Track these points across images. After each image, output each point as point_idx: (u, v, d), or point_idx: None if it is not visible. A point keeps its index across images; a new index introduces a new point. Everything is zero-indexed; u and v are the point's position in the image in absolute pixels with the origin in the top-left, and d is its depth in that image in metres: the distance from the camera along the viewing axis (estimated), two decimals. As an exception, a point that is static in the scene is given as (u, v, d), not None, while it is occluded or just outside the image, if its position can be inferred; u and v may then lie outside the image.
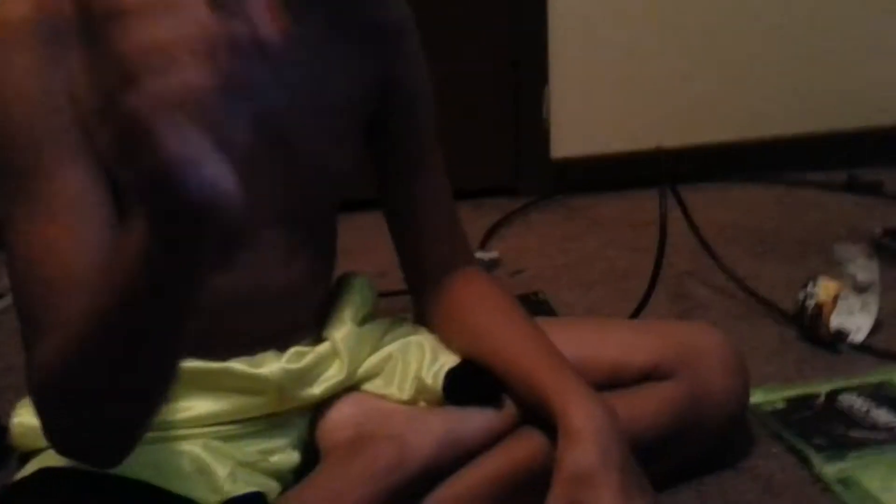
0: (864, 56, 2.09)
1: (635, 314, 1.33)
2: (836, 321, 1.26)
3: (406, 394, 0.88)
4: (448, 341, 0.93)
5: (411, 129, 0.93)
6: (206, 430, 0.82)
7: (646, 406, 0.92)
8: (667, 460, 0.94)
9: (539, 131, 2.03)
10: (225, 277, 0.79)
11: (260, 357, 0.84)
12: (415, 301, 0.98)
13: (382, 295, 1.02)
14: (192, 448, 0.80)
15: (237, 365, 0.82)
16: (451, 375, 0.87)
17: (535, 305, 1.41)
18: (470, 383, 0.88)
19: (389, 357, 0.91)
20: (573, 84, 2.01)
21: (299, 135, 0.81)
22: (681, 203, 1.44)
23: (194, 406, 0.81)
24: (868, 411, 1.08)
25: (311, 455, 0.87)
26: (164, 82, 0.44)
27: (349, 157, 0.88)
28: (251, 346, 0.84)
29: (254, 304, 0.83)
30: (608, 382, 0.93)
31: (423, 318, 0.97)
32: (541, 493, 0.86)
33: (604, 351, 0.96)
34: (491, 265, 1.62)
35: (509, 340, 0.89)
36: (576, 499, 0.76)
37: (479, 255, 1.64)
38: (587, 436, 0.78)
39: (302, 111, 0.80)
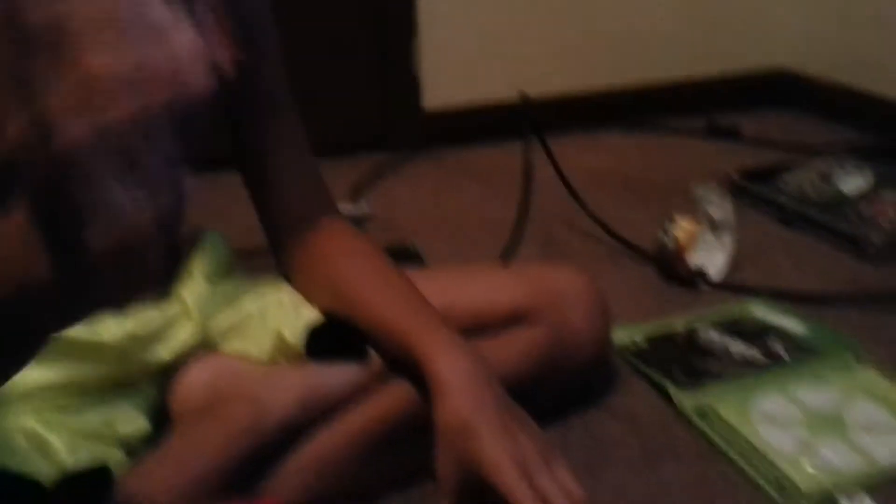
0: (722, 4, 2.15)
1: (503, 261, 1.35)
2: (694, 259, 1.31)
3: (265, 353, 0.86)
4: (311, 296, 0.90)
5: (265, 76, 0.88)
6: (39, 402, 0.77)
7: (510, 350, 0.93)
8: (532, 402, 0.95)
9: (409, 84, 2.01)
10: None
11: (99, 321, 0.79)
12: (276, 256, 0.95)
13: (246, 253, 0.99)
14: (26, 422, 0.75)
15: (71, 330, 0.77)
16: (313, 332, 0.86)
17: (407, 257, 1.40)
18: (333, 339, 0.86)
19: (247, 316, 0.88)
20: (443, 36, 1.99)
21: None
22: (547, 150, 1.45)
23: (24, 376, 0.76)
24: (724, 344, 1.12)
25: (164, 422, 0.83)
26: None
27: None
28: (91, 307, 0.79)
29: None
30: (472, 328, 0.94)
31: (284, 274, 0.94)
32: (409, 446, 0.86)
33: (468, 297, 0.96)
34: (362, 219, 1.60)
35: (374, 292, 0.87)
36: (461, 452, 0.75)
37: (349, 208, 1.62)
38: (457, 385, 0.77)
39: None
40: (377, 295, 0.87)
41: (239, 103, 0.88)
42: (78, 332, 0.78)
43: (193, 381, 0.84)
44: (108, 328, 0.79)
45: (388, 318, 0.84)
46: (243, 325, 0.88)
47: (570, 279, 0.99)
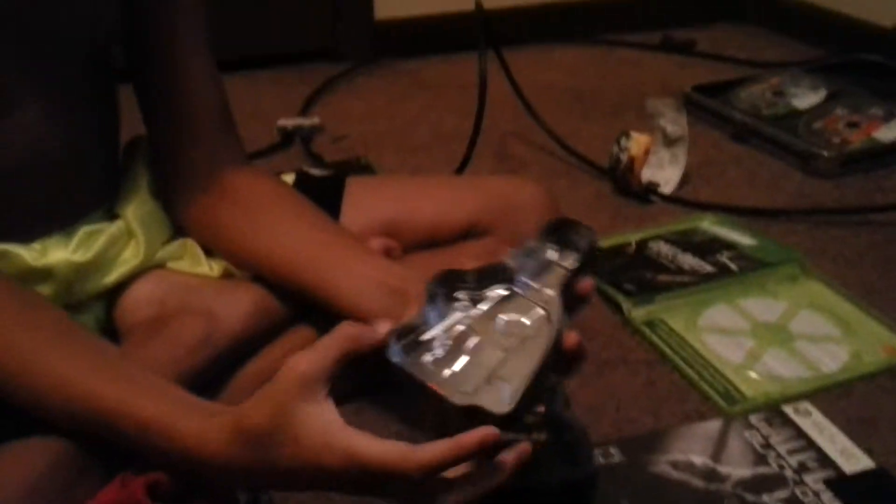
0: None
1: (457, 174, 1.33)
2: (647, 174, 1.31)
3: (217, 270, 0.84)
4: (227, 245, 0.84)
5: None
6: None
7: (466, 261, 0.92)
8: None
9: (360, -8, 1.95)
10: None
11: (42, 243, 0.76)
12: (172, 203, 0.86)
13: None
14: None
15: (15, 248, 0.74)
16: None
17: (358, 170, 1.38)
18: None
19: (190, 244, 0.85)
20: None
21: None
22: (503, 63, 1.43)
23: None
24: (674, 256, 1.13)
25: (112, 339, 0.80)
26: None
27: None
28: (32, 223, 0.76)
29: (27, 172, 0.74)
30: (427, 241, 0.93)
31: (188, 221, 0.85)
32: (361, 359, 0.86)
33: (422, 210, 0.95)
34: (312, 131, 1.57)
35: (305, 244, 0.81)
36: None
37: (299, 121, 1.58)
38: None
39: None
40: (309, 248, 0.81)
41: (148, 15, 0.80)
42: (26, 254, 0.74)
43: (141, 297, 0.81)
44: (54, 251, 0.76)
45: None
46: (191, 251, 0.85)
47: (525, 190, 0.98)
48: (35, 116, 0.73)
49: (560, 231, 0.70)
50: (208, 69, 0.84)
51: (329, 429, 0.57)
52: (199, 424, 0.60)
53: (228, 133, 0.87)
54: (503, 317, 0.65)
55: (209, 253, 0.86)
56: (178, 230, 0.87)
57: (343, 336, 0.59)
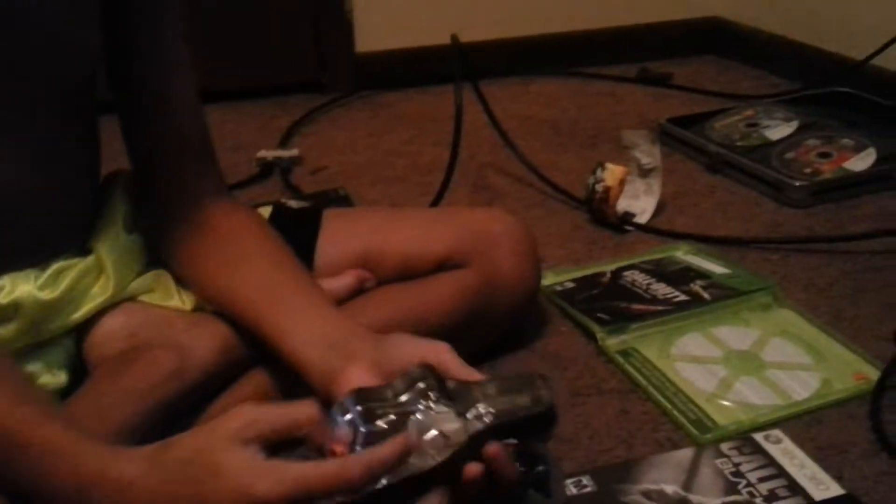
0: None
1: (434, 205, 1.35)
2: (622, 204, 1.32)
3: (189, 304, 0.84)
4: (188, 271, 0.84)
5: (153, 7, 0.81)
6: None
7: (440, 295, 0.92)
8: (462, 345, 0.96)
9: (342, 25, 1.98)
10: None
11: (12, 277, 0.75)
12: (155, 233, 0.87)
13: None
14: None
15: None
16: None
17: (336, 201, 1.39)
18: None
19: (163, 276, 0.85)
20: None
21: (22, 3, 0.70)
22: (479, 95, 1.45)
23: None
24: (649, 286, 1.14)
25: (82, 373, 0.80)
26: None
27: (87, 23, 0.76)
28: (5, 262, 0.75)
29: (1, 209, 0.74)
30: (402, 273, 0.94)
31: (166, 251, 0.86)
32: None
33: (396, 243, 0.95)
34: (291, 163, 1.58)
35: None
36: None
37: (279, 153, 1.60)
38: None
39: None
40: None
41: (133, 43, 0.81)
42: None
43: (112, 330, 0.81)
44: (20, 287, 0.75)
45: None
46: (160, 281, 0.85)
47: (500, 222, 0.99)
48: (10, 154, 0.74)
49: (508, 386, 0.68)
50: (191, 100, 0.85)
51: (254, 462, 0.56)
52: (111, 449, 0.60)
53: (209, 164, 0.88)
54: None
55: (183, 285, 0.86)
56: (156, 261, 0.87)
57: (292, 416, 0.60)
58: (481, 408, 0.65)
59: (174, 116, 0.84)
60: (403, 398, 0.65)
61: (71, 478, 0.59)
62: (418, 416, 0.64)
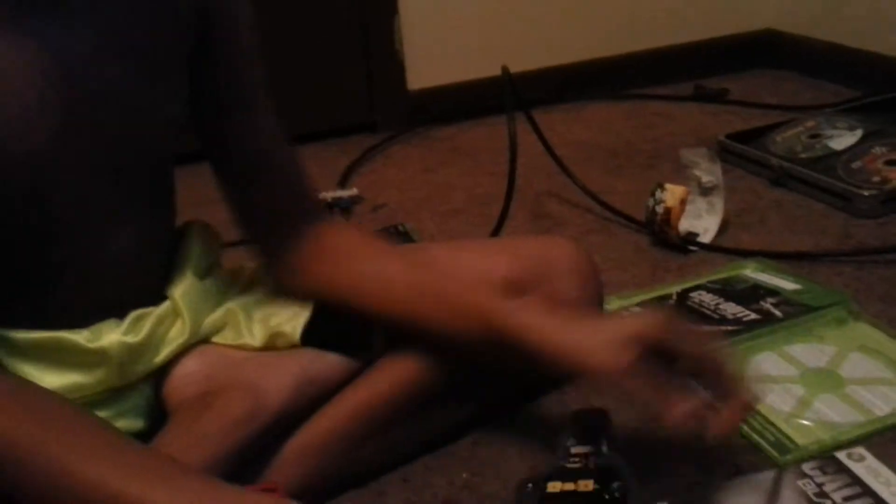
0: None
1: (493, 236, 1.34)
2: (684, 224, 1.30)
3: (258, 340, 0.86)
4: (318, 291, 0.89)
5: (238, 58, 0.86)
6: None
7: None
8: (532, 374, 0.95)
9: (393, 64, 2.00)
10: (57, 245, 0.74)
11: (97, 327, 0.78)
12: (264, 254, 0.92)
13: (230, 244, 0.99)
14: None
15: (70, 335, 0.76)
16: (310, 323, 0.85)
17: (398, 238, 1.40)
18: (331, 329, 0.86)
19: (232, 311, 0.87)
20: (424, 13, 1.98)
21: (114, 80, 0.75)
22: (533, 123, 1.45)
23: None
24: (717, 306, 1.12)
25: (160, 419, 0.82)
26: None
27: (174, 98, 0.81)
28: (90, 315, 0.78)
29: (90, 270, 0.77)
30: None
31: (277, 274, 0.92)
32: (406, 425, 0.86)
33: (460, 273, 0.95)
34: (351, 202, 1.60)
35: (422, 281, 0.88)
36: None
37: (338, 193, 1.62)
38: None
39: (112, 54, 0.75)
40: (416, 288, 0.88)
41: (222, 93, 0.86)
42: (75, 336, 0.77)
43: (187, 374, 0.83)
44: (107, 335, 0.78)
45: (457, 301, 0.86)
46: (230, 319, 0.87)
47: (559, 248, 0.99)
48: (98, 216, 0.77)
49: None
50: (282, 140, 0.91)
51: None
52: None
53: (306, 184, 0.94)
54: None
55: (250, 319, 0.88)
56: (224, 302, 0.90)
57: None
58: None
59: (270, 148, 0.90)
60: None
61: None
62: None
